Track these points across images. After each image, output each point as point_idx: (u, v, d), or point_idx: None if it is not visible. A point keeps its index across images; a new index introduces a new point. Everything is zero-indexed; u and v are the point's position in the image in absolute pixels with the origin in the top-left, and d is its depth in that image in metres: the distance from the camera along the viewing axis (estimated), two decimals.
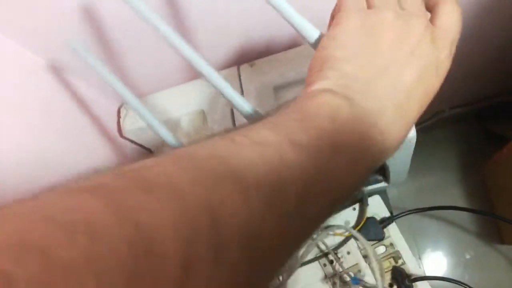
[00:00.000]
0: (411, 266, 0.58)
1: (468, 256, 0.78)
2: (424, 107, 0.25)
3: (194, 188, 0.15)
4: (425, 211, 0.60)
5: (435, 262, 0.80)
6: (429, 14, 0.27)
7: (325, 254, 0.60)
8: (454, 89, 0.76)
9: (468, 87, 0.77)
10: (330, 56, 0.24)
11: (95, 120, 0.49)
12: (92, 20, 0.38)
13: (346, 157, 0.21)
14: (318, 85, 0.24)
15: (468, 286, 0.54)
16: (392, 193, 0.64)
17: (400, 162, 0.47)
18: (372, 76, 0.24)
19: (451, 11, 0.26)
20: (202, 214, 0.15)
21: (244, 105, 0.28)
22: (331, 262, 0.60)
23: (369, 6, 0.26)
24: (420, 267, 0.58)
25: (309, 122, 0.22)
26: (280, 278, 0.56)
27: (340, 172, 0.21)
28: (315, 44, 0.27)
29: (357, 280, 0.57)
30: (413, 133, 0.40)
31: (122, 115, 0.54)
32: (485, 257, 0.77)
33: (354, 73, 0.24)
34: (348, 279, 0.59)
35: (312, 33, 0.27)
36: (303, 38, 0.27)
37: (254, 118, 0.28)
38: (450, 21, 0.26)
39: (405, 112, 0.24)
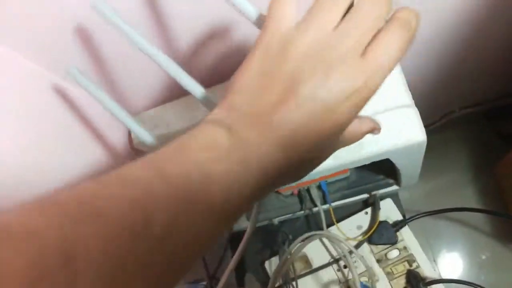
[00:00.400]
0: (426, 269, 0.57)
1: (483, 257, 0.78)
2: (320, 147, 0.26)
3: (49, 232, 0.17)
4: (438, 213, 0.59)
5: (450, 264, 0.79)
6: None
7: (338, 260, 0.60)
8: (464, 89, 0.75)
9: (479, 87, 0.76)
10: (226, 90, 0.26)
11: (97, 129, 0.50)
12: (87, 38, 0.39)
13: (219, 183, 0.22)
14: (208, 117, 0.25)
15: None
16: (404, 196, 0.64)
17: (411, 165, 0.47)
18: (262, 110, 0.24)
19: (393, 41, 0.24)
20: (54, 253, 0.16)
21: (196, 89, 0.30)
22: (344, 267, 0.60)
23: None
24: (435, 270, 0.58)
25: (184, 152, 0.23)
26: None
27: (214, 200, 0.22)
28: (257, 23, 0.28)
29: (366, 287, 0.56)
30: (423, 137, 0.40)
31: None
32: (500, 258, 0.76)
33: (243, 107, 0.25)
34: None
35: (252, 13, 0.28)
36: (245, 17, 0.28)
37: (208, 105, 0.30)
38: (383, 59, 0.24)
39: (290, 148, 0.24)
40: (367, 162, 0.42)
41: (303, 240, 0.56)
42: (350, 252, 0.60)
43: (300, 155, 0.25)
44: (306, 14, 0.25)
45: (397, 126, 0.40)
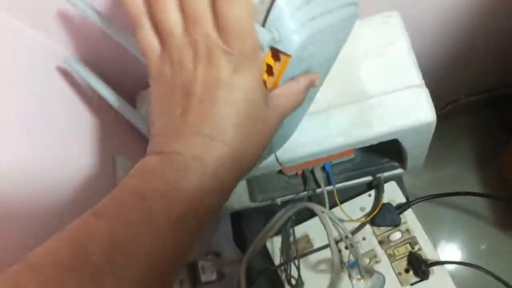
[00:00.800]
0: (428, 252, 0.58)
1: (483, 244, 0.78)
2: (248, 122, 0.29)
3: None
4: (441, 197, 0.59)
5: (450, 250, 0.80)
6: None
7: (339, 241, 0.60)
8: (471, 75, 0.75)
9: (485, 75, 0.76)
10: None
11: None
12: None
13: (154, 198, 0.25)
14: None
15: (486, 270, 0.54)
16: (407, 182, 0.64)
17: (418, 146, 0.47)
18: (175, 125, 0.28)
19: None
20: None
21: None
22: (346, 248, 0.60)
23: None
24: (436, 253, 0.58)
25: (120, 186, 0.26)
26: None
27: (157, 218, 0.25)
28: None
29: (354, 264, 0.56)
30: (433, 117, 0.40)
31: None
32: (501, 245, 0.77)
33: (160, 133, 0.28)
34: (364, 264, 0.59)
35: None
36: None
37: None
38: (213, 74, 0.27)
39: (217, 139, 0.27)
40: (375, 142, 0.42)
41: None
42: (352, 233, 0.60)
43: (228, 140, 0.27)
44: None
45: (407, 106, 0.40)
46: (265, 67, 0.29)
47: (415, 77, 0.41)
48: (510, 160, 0.76)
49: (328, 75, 0.42)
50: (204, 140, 0.26)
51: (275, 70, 0.29)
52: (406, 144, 0.45)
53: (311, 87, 0.33)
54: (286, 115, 0.31)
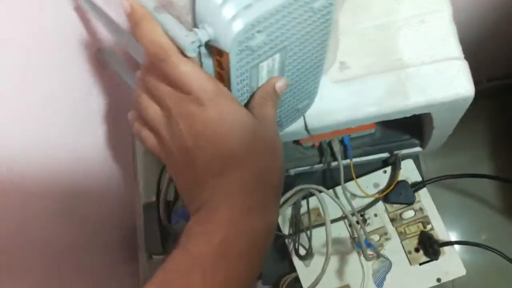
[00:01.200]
0: (440, 232, 0.57)
1: (495, 228, 0.78)
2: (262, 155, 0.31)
3: None
4: (458, 177, 0.59)
5: (459, 232, 0.80)
6: None
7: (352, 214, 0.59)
8: (493, 59, 0.73)
9: (508, 59, 0.74)
10: None
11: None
12: None
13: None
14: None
15: (498, 251, 0.53)
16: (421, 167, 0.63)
17: (447, 123, 0.45)
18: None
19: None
20: None
21: None
22: (356, 222, 0.60)
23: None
24: (447, 234, 0.58)
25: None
26: None
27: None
28: None
29: (370, 245, 0.56)
30: (472, 91, 0.38)
31: None
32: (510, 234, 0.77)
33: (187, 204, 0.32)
34: (373, 240, 0.59)
35: None
36: None
37: None
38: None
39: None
40: (408, 114, 0.40)
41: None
42: (365, 208, 0.60)
43: (243, 165, 0.29)
44: None
45: (446, 78, 0.38)
46: (216, 65, 0.29)
47: (455, 49, 0.40)
48: None
49: (364, 39, 0.40)
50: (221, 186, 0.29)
51: (225, 66, 0.28)
52: (437, 119, 0.44)
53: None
54: (275, 118, 0.33)
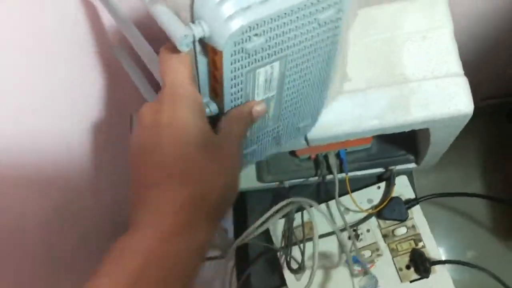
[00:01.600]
0: (431, 250, 0.57)
1: (484, 247, 0.78)
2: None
3: None
4: (451, 196, 0.59)
5: (449, 250, 0.80)
6: None
7: (343, 230, 0.59)
8: (488, 78, 0.74)
9: (503, 79, 0.75)
10: None
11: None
12: None
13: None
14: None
15: (489, 272, 0.53)
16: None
17: (444, 140, 0.46)
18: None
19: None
20: None
21: None
22: (348, 238, 0.59)
23: None
24: (439, 252, 0.58)
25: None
26: None
27: None
28: None
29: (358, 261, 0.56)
30: (471, 108, 0.39)
31: None
32: (500, 254, 0.77)
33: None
34: (364, 256, 0.58)
35: None
36: None
37: None
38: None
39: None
40: (408, 129, 0.40)
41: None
42: (358, 223, 0.59)
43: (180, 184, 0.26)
44: None
45: (446, 94, 0.39)
46: (211, 64, 0.28)
47: (456, 65, 0.40)
48: None
49: (367, 52, 0.40)
50: (157, 191, 0.26)
51: (219, 66, 0.27)
52: (434, 135, 0.44)
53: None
54: (242, 138, 0.31)
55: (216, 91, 0.30)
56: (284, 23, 0.26)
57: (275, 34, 0.26)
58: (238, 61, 0.27)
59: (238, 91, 0.29)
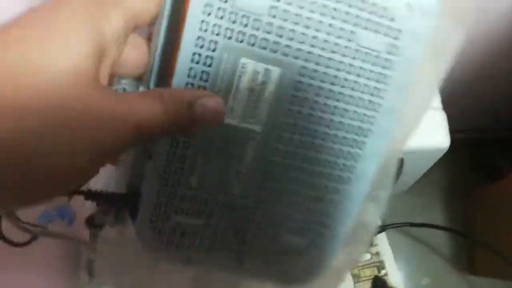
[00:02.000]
0: (393, 279, 0.57)
1: (435, 277, 0.79)
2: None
3: None
4: (419, 226, 0.59)
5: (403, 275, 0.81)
6: None
7: None
8: (459, 112, 0.76)
9: (473, 113, 0.77)
10: None
11: None
12: None
13: None
14: None
15: None
16: None
17: (417, 170, 0.46)
18: None
19: None
20: None
21: None
22: None
23: None
24: (402, 283, 0.58)
25: None
26: None
27: None
28: None
29: None
30: (447, 143, 0.38)
31: None
32: (455, 284, 0.78)
33: None
34: None
35: None
36: None
37: None
38: None
39: None
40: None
41: None
42: None
43: None
44: None
45: (424, 128, 0.38)
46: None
47: (435, 99, 0.40)
48: (480, 199, 0.78)
49: None
50: None
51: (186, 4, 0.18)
52: (408, 166, 0.43)
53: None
54: (144, 128, 0.17)
55: (166, 64, 0.19)
56: (311, 10, 0.19)
57: (292, 19, 0.19)
58: (216, 16, 0.18)
59: (199, 74, 0.19)
